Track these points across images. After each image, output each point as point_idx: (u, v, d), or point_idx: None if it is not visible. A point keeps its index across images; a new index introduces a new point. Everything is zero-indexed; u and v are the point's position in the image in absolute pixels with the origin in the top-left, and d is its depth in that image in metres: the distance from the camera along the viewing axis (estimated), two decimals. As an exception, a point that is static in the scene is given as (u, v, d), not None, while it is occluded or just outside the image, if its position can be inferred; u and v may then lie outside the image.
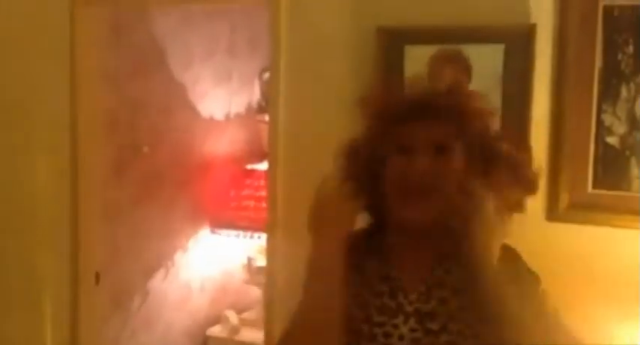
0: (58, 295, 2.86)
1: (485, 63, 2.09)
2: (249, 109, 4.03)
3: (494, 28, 2.09)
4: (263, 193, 3.44)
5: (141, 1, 2.91)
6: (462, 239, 1.37)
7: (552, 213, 2.02)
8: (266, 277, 2.61)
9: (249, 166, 3.83)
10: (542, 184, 2.00)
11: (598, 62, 1.99)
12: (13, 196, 2.89)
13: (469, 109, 1.43)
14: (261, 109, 3.92)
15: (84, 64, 2.79)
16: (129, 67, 3.25)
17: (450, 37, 2.13)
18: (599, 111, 1.98)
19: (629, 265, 1.94)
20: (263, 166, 3.46)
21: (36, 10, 2.80)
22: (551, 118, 2.03)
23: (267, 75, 3.11)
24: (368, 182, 1.47)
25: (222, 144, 3.85)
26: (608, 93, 1.98)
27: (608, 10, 1.98)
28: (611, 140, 1.98)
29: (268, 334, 2.50)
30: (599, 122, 1.98)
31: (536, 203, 1.95)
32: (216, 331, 3.75)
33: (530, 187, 1.44)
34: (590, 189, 1.99)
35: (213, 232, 3.76)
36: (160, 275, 3.54)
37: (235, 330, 3.68)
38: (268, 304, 2.50)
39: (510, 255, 1.44)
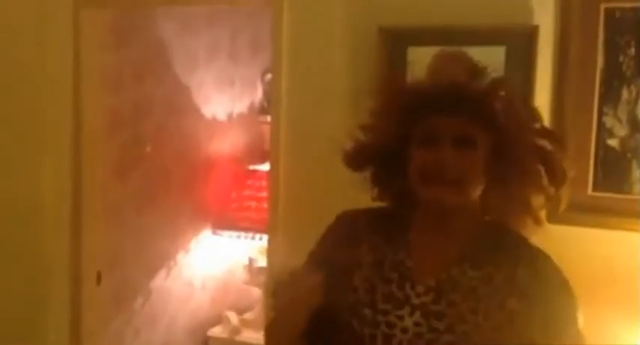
0: (60, 295, 2.86)
1: (487, 64, 2.08)
2: (251, 110, 4.03)
3: (495, 30, 2.09)
4: (265, 194, 3.44)
5: (142, 2, 2.91)
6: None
7: (552, 215, 2.00)
8: (265, 278, 2.62)
9: (251, 167, 3.84)
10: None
11: (599, 64, 1.99)
12: (15, 196, 2.89)
13: (500, 102, 1.42)
14: (264, 110, 3.93)
15: (87, 66, 2.80)
16: (132, 69, 3.26)
17: (453, 38, 2.12)
18: (601, 113, 1.98)
19: (629, 267, 1.94)
20: (265, 166, 3.47)
21: (39, 12, 2.80)
22: (552, 120, 2.03)
23: (269, 76, 3.12)
24: (384, 170, 1.49)
25: (225, 145, 3.85)
26: (610, 95, 1.98)
27: (609, 12, 1.98)
28: (612, 142, 1.98)
29: (269, 335, 2.50)
30: (600, 124, 1.98)
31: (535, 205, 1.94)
32: (217, 331, 3.75)
33: (559, 180, 1.42)
34: (590, 191, 1.98)
35: (214, 233, 3.76)
36: (162, 274, 3.54)
37: (236, 331, 3.68)
38: (268, 305, 2.50)
39: (539, 255, 1.43)
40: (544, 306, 1.35)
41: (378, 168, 1.51)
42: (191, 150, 3.65)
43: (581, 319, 1.39)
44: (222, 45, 3.78)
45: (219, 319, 3.79)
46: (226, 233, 3.74)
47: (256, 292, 3.77)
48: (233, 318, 3.71)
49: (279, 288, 1.42)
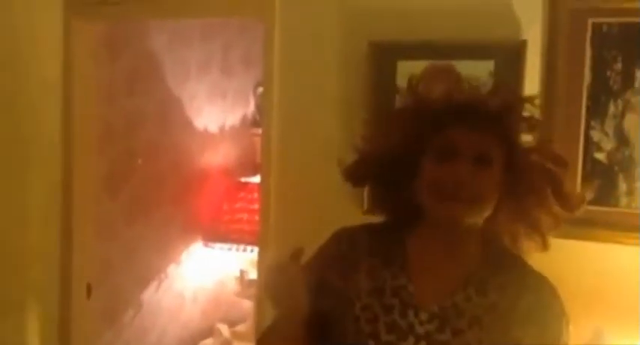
0: (48, 309, 2.85)
1: (475, 79, 2.10)
2: (243, 122, 4.05)
3: (484, 44, 2.10)
4: (256, 206, 3.45)
5: (135, 14, 2.92)
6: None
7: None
8: (257, 289, 2.62)
9: (242, 179, 3.84)
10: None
11: (586, 78, 2.00)
12: (3, 209, 2.88)
13: (518, 118, 1.39)
14: (256, 122, 3.94)
15: (79, 78, 2.80)
16: (124, 82, 3.27)
17: (442, 52, 2.14)
18: (588, 127, 2.00)
19: (617, 280, 1.95)
20: (257, 179, 3.47)
21: (29, 23, 2.80)
22: (540, 133, 2.04)
23: (261, 89, 3.13)
24: (387, 182, 1.43)
25: (217, 157, 3.86)
26: (597, 109, 1.99)
27: (596, 27, 2.00)
28: (600, 156, 1.99)
29: (259, 348, 2.50)
30: (588, 138, 2.00)
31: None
32: (208, 344, 3.74)
33: (567, 204, 1.38)
34: (577, 204, 2.00)
35: (206, 245, 3.76)
36: (153, 287, 3.54)
37: (227, 343, 3.68)
38: (259, 317, 2.50)
39: (540, 281, 1.39)
40: (546, 337, 1.32)
41: (380, 179, 1.45)
42: (183, 162, 3.66)
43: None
44: (215, 58, 3.80)
45: (210, 332, 3.78)
46: (218, 245, 3.74)
47: (248, 305, 3.77)
48: (224, 330, 3.71)
49: (269, 276, 1.38)
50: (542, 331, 1.32)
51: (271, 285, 1.38)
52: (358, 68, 2.26)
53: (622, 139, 1.97)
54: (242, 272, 3.73)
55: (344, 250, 1.44)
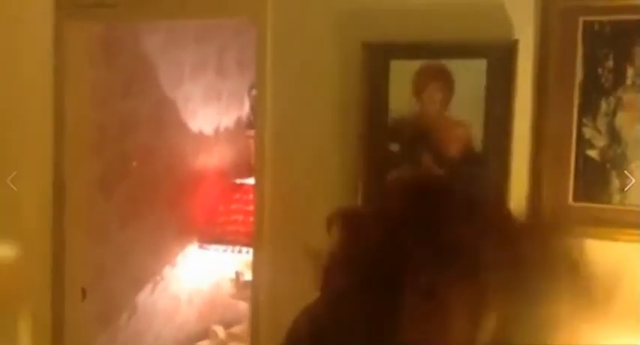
0: (41, 313, 2.83)
1: (468, 78, 2.12)
2: (238, 124, 4.05)
3: (477, 44, 2.12)
4: (252, 208, 3.44)
5: (129, 16, 2.92)
6: None
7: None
8: (252, 291, 2.62)
9: (237, 181, 3.84)
10: (523, 195, 2.03)
11: (578, 76, 2.01)
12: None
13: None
14: (251, 124, 3.93)
15: (72, 80, 2.80)
16: (118, 84, 3.27)
17: (434, 52, 2.16)
18: (580, 124, 2.01)
19: (609, 277, 1.96)
20: (252, 180, 3.47)
21: (20, 25, 2.79)
22: (532, 132, 2.06)
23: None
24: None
25: (212, 159, 3.86)
26: (589, 107, 2.00)
27: (588, 25, 2.01)
28: (592, 153, 2.00)
29: (255, 349, 2.50)
30: (580, 135, 2.01)
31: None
32: (204, 345, 3.75)
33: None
34: (570, 201, 2.01)
35: (201, 246, 3.76)
36: (148, 289, 3.54)
37: (223, 345, 3.68)
38: (254, 318, 2.50)
39: None
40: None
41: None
42: (178, 164, 3.66)
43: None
44: (210, 60, 3.80)
45: (206, 334, 3.78)
46: (213, 247, 3.74)
47: (243, 306, 3.76)
48: (220, 332, 3.71)
49: None
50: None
51: None
52: (352, 69, 2.27)
53: (614, 137, 1.98)
54: (237, 274, 3.73)
55: None
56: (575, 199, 2.01)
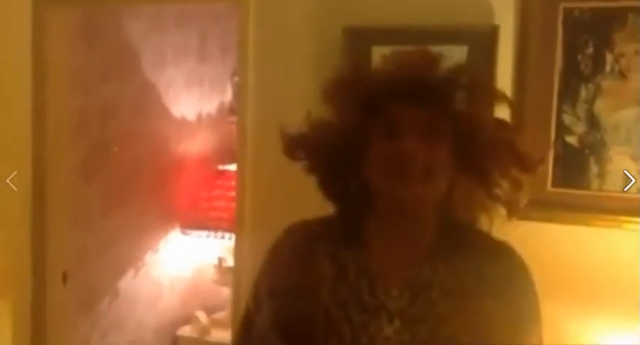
0: (22, 297, 2.82)
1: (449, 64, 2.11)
2: (220, 110, 4.04)
3: (457, 30, 2.12)
4: (234, 194, 3.45)
5: (109, 1, 2.90)
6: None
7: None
8: (234, 277, 2.62)
9: (220, 167, 3.84)
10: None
11: (558, 63, 2.02)
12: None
13: (463, 90, 1.33)
14: (233, 110, 3.92)
15: (52, 66, 2.78)
16: (99, 69, 3.24)
17: (416, 37, 2.15)
18: (560, 111, 2.02)
19: (587, 262, 1.98)
20: (234, 166, 3.47)
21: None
22: (512, 118, 2.06)
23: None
24: (338, 170, 1.38)
25: (194, 145, 3.85)
26: (568, 93, 2.02)
27: (568, 12, 2.02)
28: (571, 139, 2.02)
29: (236, 334, 2.51)
30: (560, 122, 2.02)
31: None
32: (186, 331, 3.75)
33: (526, 164, 1.33)
34: (549, 187, 2.02)
35: (183, 232, 3.76)
36: (130, 275, 3.53)
37: (205, 330, 3.68)
38: (236, 304, 2.51)
39: (505, 249, 1.38)
40: (515, 306, 1.31)
41: (325, 169, 1.41)
42: (160, 150, 3.64)
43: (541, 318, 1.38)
44: (191, 46, 3.78)
45: (188, 319, 3.78)
46: (195, 233, 3.74)
47: (226, 292, 3.77)
48: (202, 318, 3.71)
49: None
50: (512, 302, 1.30)
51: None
52: (333, 54, 2.26)
53: (593, 123, 2.00)
54: (220, 259, 3.73)
55: (299, 243, 1.40)
56: (554, 184, 2.02)
